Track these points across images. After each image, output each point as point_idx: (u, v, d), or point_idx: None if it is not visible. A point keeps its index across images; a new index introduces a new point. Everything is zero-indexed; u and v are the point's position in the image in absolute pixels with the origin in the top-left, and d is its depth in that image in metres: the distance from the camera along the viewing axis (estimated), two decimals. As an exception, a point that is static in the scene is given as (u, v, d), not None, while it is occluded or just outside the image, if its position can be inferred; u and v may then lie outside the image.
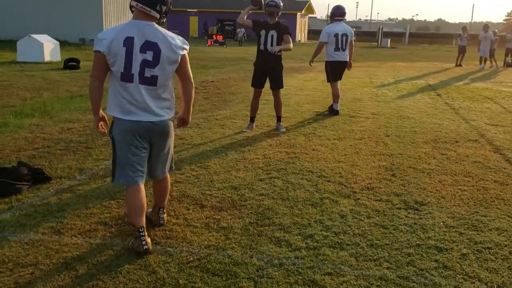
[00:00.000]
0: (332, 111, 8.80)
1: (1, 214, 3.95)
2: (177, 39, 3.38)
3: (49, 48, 17.88)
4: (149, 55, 3.25)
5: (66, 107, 9.01)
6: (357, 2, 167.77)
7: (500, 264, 3.36)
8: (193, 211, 4.14)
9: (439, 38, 59.62)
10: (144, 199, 3.42)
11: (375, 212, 4.24)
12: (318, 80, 14.43)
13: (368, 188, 4.86)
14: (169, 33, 3.38)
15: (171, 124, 3.55)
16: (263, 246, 3.50)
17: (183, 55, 3.39)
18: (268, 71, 7.24)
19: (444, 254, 3.48)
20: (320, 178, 5.12)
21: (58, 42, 18.96)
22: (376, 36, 48.67)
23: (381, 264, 3.31)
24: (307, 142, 6.67)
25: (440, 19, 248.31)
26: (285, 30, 7.08)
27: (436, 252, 3.51)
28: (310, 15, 61.07)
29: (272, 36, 7.03)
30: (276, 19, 7.12)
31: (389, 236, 3.76)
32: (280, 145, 6.47)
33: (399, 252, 3.49)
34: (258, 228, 3.82)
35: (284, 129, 7.39)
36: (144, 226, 3.37)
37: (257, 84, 7.37)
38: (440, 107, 9.99)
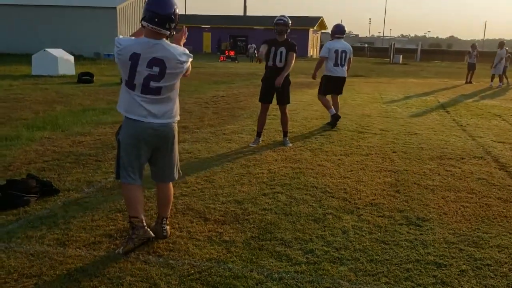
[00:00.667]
0: (333, 119, 9.05)
1: (9, 225, 4.05)
2: (183, 55, 3.60)
3: (64, 62, 18.22)
4: (155, 70, 3.50)
5: (78, 120, 9.17)
6: (370, 19, 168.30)
7: (499, 281, 3.37)
8: (196, 224, 4.20)
9: (450, 55, 59.52)
10: (142, 194, 3.84)
11: (377, 228, 4.27)
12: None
13: (371, 204, 4.90)
14: (177, 49, 3.58)
15: (175, 128, 3.74)
16: (264, 260, 3.55)
17: (187, 65, 3.66)
18: (276, 87, 7.33)
19: (443, 270, 3.51)
20: (324, 193, 5.17)
21: (72, 56, 19.32)
22: (388, 52, 48.73)
23: (380, 279, 3.34)
24: (313, 157, 6.73)
25: (452, 36, 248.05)
26: (292, 48, 7.18)
27: (435, 268, 3.53)
28: (322, 31, 61.36)
29: (281, 52, 7.16)
30: (285, 37, 7.22)
31: (389, 251, 3.79)
32: (286, 160, 6.54)
33: (398, 268, 3.52)
34: (260, 242, 3.87)
35: (290, 144, 7.46)
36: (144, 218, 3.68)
37: (265, 99, 7.47)
38: (448, 124, 9.99)
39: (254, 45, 40.01)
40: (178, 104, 3.78)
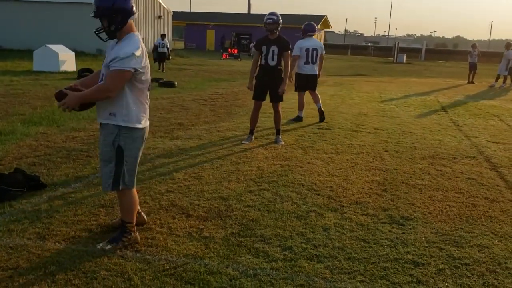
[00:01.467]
0: (297, 118, 9.46)
1: (-7, 219, 4.08)
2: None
3: (65, 58, 18.27)
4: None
5: (74, 116, 9.18)
6: (376, 18, 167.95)
7: (474, 281, 3.37)
8: (178, 220, 4.21)
9: (455, 54, 59.15)
10: None
11: (359, 226, 4.27)
12: (327, 94, 14.49)
13: (356, 202, 4.90)
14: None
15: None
16: (241, 257, 3.56)
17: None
18: (269, 84, 7.35)
19: (420, 269, 3.50)
20: (310, 191, 5.17)
21: (73, 53, 19.37)
22: (392, 52, 48.58)
23: (355, 277, 3.34)
24: (303, 155, 6.73)
25: (458, 36, 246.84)
26: (286, 47, 7.17)
27: (413, 267, 3.53)
28: (326, 30, 61.26)
29: (273, 51, 7.15)
30: (277, 34, 7.21)
31: (369, 250, 3.79)
32: (276, 157, 6.54)
33: (375, 266, 3.52)
34: (239, 238, 3.88)
35: (283, 142, 7.46)
36: None
37: (258, 96, 7.48)
38: (445, 123, 9.96)
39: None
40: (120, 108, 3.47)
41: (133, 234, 3.67)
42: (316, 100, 9.71)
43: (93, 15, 3.36)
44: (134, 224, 3.71)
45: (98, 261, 3.39)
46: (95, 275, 3.19)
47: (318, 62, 9.42)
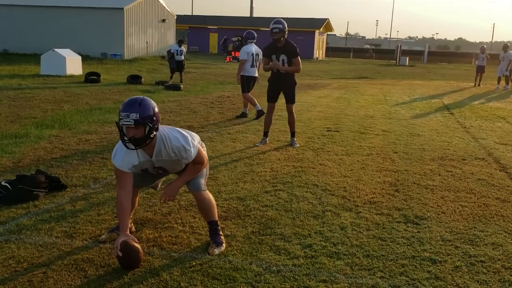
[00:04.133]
0: (259, 113, 9.99)
1: (19, 218, 4.20)
2: None
3: (71, 62, 18.44)
4: None
5: (85, 119, 9.33)
6: (377, 20, 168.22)
7: (491, 277, 3.47)
8: (199, 219, 4.32)
9: (458, 57, 59.28)
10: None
11: (374, 225, 4.38)
12: (332, 97, 14.62)
13: (370, 202, 5.00)
14: None
15: None
16: (263, 254, 3.67)
17: None
18: (282, 87, 7.50)
19: (437, 266, 3.61)
20: (324, 191, 5.28)
21: (80, 57, 19.54)
22: (395, 54, 48.72)
23: (375, 274, 3.45)
24: (315, 157, 6.84)
25: (460, 38, 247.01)
26: (294, 54, 7.28)
27: (430, 264, 3.63)
28: (328, 33, 61.43)
29: (283, 60, 7.33)
30: (284, 41, 7.29)
31: (386, 248, 3.89)
32: (288, 159, 6.66)
33: (394, 263, 3.62)
34: (260, 237, 3.99)
35: (298, 145, 7.56)
36: None
37: (271, 99, 7.62)
38: (452, 125, 10.07)
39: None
40: None
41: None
42: (254, 102, 10.30)
43: (132, 123, 3.18)
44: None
45: (126, 258, 3.50)
46: (125, 271, 3.30)
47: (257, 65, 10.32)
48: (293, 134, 7.73)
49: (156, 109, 3.35)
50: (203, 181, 3.82)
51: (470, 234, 4.23)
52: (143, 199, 4.83)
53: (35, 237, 3.83)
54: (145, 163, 3.49)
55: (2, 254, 3.53)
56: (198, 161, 3.63)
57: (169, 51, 18.60)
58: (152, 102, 3.36)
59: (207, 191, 3.85)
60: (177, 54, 18.09)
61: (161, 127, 3.48)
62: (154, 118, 3.28)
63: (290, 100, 7.55)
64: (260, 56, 10.10)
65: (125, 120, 3.17)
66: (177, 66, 18.15)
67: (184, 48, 18.65)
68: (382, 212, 4.71)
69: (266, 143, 7.59)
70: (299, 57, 7.37)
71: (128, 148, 3.28)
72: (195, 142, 3.58)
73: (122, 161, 3.41)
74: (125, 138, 3.25)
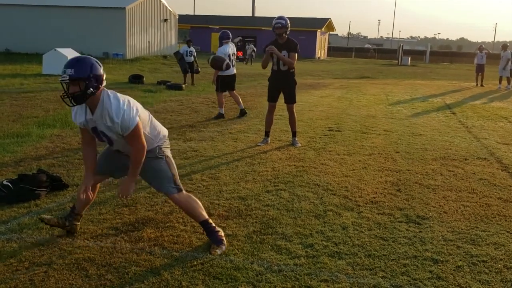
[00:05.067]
0: (218, 115, 10.19)
1: (20, 218, 4.20)
2: None
3: (73, 61, 18.42)
4: None
5: (87, 118, 9.32)
6: (379, 20, 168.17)
7: (493, 277, 3.46)
8: (200, 219, 4.32)
9: (460, 56, 59.24)
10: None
11: (376, 224, 4.37)
12: (334, 97, 14.60)
13: (372, 202, 5.00)
14: None
15: None
16: (264, 253, 3.67)
17: None
18: (282, 86, 7.48)
19: (439, 265, 3.60)
20: (326, 191, 5.27)
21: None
22: (397, 54, 48.68)
23: (377, 273, 3.44)
24: (316, 156, 6.83)
25: (462, 38, 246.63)
26: (293, 48, 7.26)
27: (432, 264, 3.63)
28: (330, 32, 61.40)
29: (284, 55, 7.24)
30: (286, 37, 7.28)
31: (388, 247, 3.89)
32: (290, 159, 6.65)
33: (395, 263, 3.62)
34: (261, 236, 3.99)
35: (299, 144, 7.55)
36: None
37: (271, 99, 7.61)
38: (454, 125, 10.06)
39: (252, 46, 37.79)
40: None
41: (218, 230, 3.83)
42: (237, 99, 10.49)
43: (67, 78, 3.26)
44: (208, 219, 3.84)
45: (127, 257, 3.51)
46: (126, 271, 3.30)
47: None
48: (294, 134, 7.72)
49: (97, 69, 3.37)
50: (170, 184, 3.75)
51: (472, 234, 4.22)
52: (144, 198, 4.83)
53: (37, 236, 3.83)
54: (90, 121, 3.50)
55: (4, 253, 3.54)
56: (133, 145, 3.48)
57: (177, 53, 17.83)
58: (94, 62, 3.37)
59: (182, 193, 3.79)
60: (186, 55, 17.29)
61: (113, 92, 3.52)
62: (91, 76, 3.32)
63: (290, 100, 7.54)
64: (235, 55, 10.36)
65: (62, 76, 3.29)
66: (189, 67, 17.27)
67: (194, 49, 17.61)
68: (384, 211, 4.70)
69: (267, 143, 7.59)
70: (297, 54, 7.32)
71: (66, 103, 3.41)
72: (131, 117, 3.40)
73: (75, 115, 3.56)
74: (64, 94, 3.37)
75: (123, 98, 3.50)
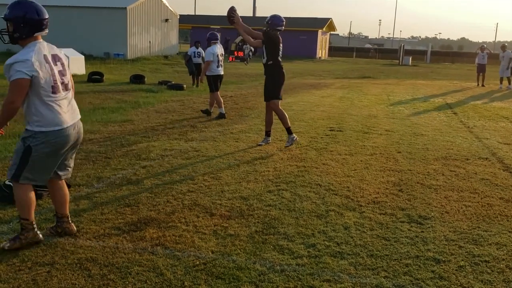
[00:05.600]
0: (220, 115, 10.16)
1: (22, 217, 4.20)
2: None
3: (75, 61, 18.47)
4: (59, 66, 3.68)
5: (88, 118, 9.33)
6: (380, 20, 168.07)
7: (495, 277, 3.46)
8: (202, 218, 4.33)
9: (461, 56, 59.12)
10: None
11: (378, 224, 4.37)
12: (335, 97, 14.60)
13: (374, 202, 5.00)
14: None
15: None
16: (267, 253, 3.67)
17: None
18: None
19: (441, 265, 3.60)
20: (328, 191, 5.27)
21: (83, 56, 19.57)
22: (398, 54, 48.66)
23: (379, 273, 3.44)
24: (318, 156, 6.83)
25: (463, 38, 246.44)
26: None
27: (434, 264, 3.63)
28: (331, 32, 61.36)
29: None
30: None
31: (390, 247, 3.89)
32: (291, 159, 6.65)
33: (398, 263, 3.62)
34: (263, 236, 3.99)
35: (296, 138, 7.49)
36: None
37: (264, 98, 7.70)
38: (455, 125, 10.05)
39: (249, 46, 37.49)
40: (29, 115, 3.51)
41: (30, 231, 3.61)
42: (220, 103, 10.35)
43: (2, 16, 3.41)
44: (31, 222, 3.62)
45: (130, 257, 3.51)
46: (129, 270, 3.31)
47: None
48: (288, 131, 7.47)
49: (31, 15, 3.41)
50: (11, 170, 3.53)
51: (474, 234, 4.22)
52: (146, 198, 4.84)
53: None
54: None
55: (6, 252, 3.54)
56: (8, 94, 3.36)
57: (185, 54, 17.48)
58: (32, 8, 3.43)
59: (17, 184, 3.55)
60: (194, 57, 16.82)
61: (42, 46, 3.50)
62: (20, 19, 3.38)
63: (265, 97, 7.50)
64: (223, 55, 10.50)
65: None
66: (196, 69, 16.69)
67: (202, 50, 16.65)
68: (386, 212, 4.70)
69: (268, 142, 7.58)
70: (264, 43, 7.32)
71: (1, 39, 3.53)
72: (17, 70, 3.31)
73: None
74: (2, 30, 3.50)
75: (35, 56, 3.40)
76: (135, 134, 8.07)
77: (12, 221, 4.13)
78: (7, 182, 4.71)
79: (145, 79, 17.25)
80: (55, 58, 3.60)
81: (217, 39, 10.51)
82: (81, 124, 3.85)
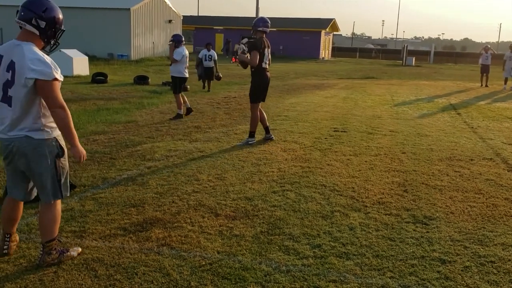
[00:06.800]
0: (177, 116, 10.04)
1: (29, 218, 4.23)
2: (37, 61, 3.08)
3: (78, 62, 18.52)
4: (7, 75, 3.13)
5: (93, 119, 9.37)
6: (383, 20, 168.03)
7: (501, 278, 3.46)
8: (208, 219, 4.34)
9: (464, 57, 59.00)
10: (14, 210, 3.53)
11: (383, 225, 4.37)
12: (339, 97, 14.59)
13: (379, 202, 5.00)
14: (33, 53, 3.12)
15: (36, 144, 3.23)
16: (272, 254, 3.68)
17: (36, 80, 3.08)
18: None
19: (447, 266, 3.60)
20: (333, 192, 5.28)
21: (86, 57, 19.62)
22: (401, 54, 48.58)
23: (385, 274, 3.45)
24: (322, 157, 6.84)
25: (466, 39, 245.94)
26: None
27: (440, 264, 3.63)
28: (335, 33, 61.31)
29: (268, 54, 7.68)
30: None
31: (395, 248, 3.89)
32: (296, 159, 6.66)
33: (403, 263, 3.62)
34: (269, 236, 4.00)
35: (242, 144, 7.60)
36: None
37: None
38: (459, 125, 10.04)
39: (243, 46, 36.83)
40: (40, 121, 3.23)
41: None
42: (185, 100, 10.39)
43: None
44: (4, 234, 3.47)
45: (136, 257, 3.52)
46: (135, 271, 3.32)
47: None
48: (250, 134, 7.73)
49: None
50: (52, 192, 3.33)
51: (479, 234, 4.22)
52: (152, 199, 4.85)
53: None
54: None
55: (13, 253, 3.55)
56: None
57: (196, 57, 16.48)
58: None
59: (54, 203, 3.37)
60: (205, 60, 15.75)
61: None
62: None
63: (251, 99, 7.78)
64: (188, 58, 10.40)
65: None
66: (205, 73, 15.79)
67: (214, 53, 15.96)
68: (391, 212, 4.70)
69: (271, 138, 7.87)
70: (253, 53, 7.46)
71: None
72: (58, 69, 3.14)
73: None
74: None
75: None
76: (139, 135, 8.09)
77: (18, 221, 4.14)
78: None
79: (149, 80, 17.28)
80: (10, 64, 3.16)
81: (182, 41, 10.26)
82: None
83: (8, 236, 3.52)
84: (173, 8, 36.69)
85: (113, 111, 10.58)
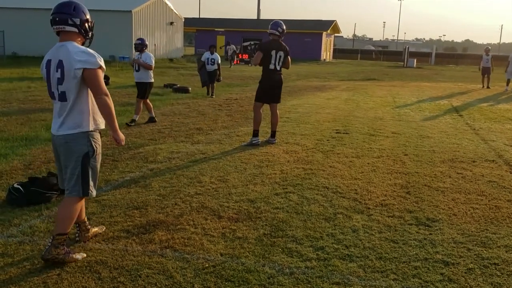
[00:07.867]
0: (132, 121, 9.51)
1: (32, 221, 4.23)
2: (81, 53, 3.39)
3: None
4: (58, 74, 3.41)
5: (95, 121, 9.36)
6: (384, 22, 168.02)
7: (505, 280, 3.46)
8: (210, 221, 4.34)
9: (465, 58, 59.04)
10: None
11: (386, 227, 4.37)
12: (340, 99, 14.59)
13: (382, 204, 4.99)
14: (76, 48, 3.43)
15: (74, 140, 3.47)
16: (275, 256, 3.68)
17: (84, 70, 3.37)
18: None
19: (450, 268, 3.60)
20: (335, 194, 5.28)
21: (88, 59, 19.61)
22: (402, 56, 48.59)
23: (388, 276, 3.44)
24: (324, 159, 6.84)
25: (467, 40, 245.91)
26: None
27: (443, 266, 3.62)
28: (336, 35, 61.35)
29: (280, 56, 7.70)
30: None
31: (398, 250, 3.89)
32: (298, 161, 6.66)
33: (406, 265, 3.62)
34: (272, 239, 4.00)
35: (246, 144, 7.71)
36: None
37: None
38: (461, 127, 10.03)
39: (233, 46, 35.54)
40: (87, 116, 3.54)
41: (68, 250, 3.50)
42: (139, 111, 9.74)
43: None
44: (67, 237, 3.54)
45: (139, 259, 3.53)
46: (139, 273, 3.32)
47: None
48: (254, 133, 7.84)
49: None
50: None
51: (482, 236, 4.21)
52: (154, 200, 4.85)
53: (49, 239, 3.83)
54: None
55: (17, 255, 3.56)
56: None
57: (199, 60, 15.63)
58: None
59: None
60: (207, 64, 14.85)
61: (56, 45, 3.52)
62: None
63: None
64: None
65: None
66: (209, 78, 14.89)
67: (218, 56, 15.08)
68: (394, 214, 4.70)
69: (274, 143, 7.79)
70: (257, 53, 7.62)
71: None
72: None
73: None
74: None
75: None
76: (141, 137, 8.10)
77: (22, 224, 4.16)
78: (15, 186, 4.75)
79: (151, 82, 17.25)
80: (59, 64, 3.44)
81: (146, 46, 9.78)
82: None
83: (78, 225, 3.80)
84: (175, 10, 36.76)
85: (115, 113, 10.57)
